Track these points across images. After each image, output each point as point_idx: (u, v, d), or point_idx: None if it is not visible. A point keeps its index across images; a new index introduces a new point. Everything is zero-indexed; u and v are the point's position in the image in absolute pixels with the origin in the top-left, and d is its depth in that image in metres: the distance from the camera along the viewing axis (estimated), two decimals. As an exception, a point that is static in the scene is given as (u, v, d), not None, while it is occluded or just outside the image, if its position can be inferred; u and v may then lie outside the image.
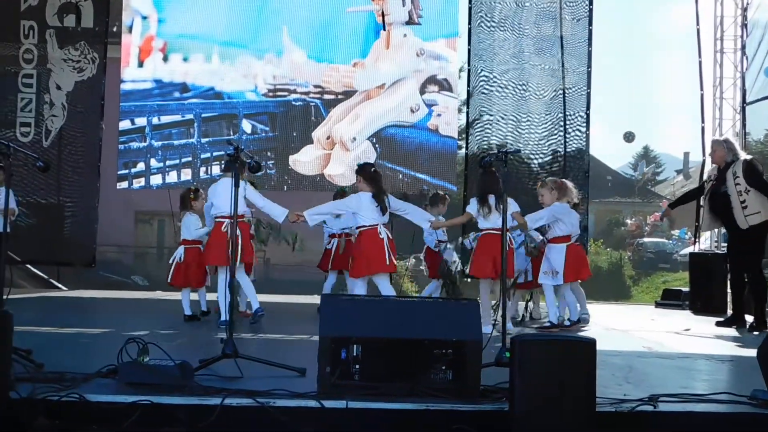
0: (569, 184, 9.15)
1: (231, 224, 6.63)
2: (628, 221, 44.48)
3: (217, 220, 8.63)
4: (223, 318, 8.41)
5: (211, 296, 9.66)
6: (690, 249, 15.43)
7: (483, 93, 12.86)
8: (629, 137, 45.28)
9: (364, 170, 8.36)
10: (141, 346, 5.22)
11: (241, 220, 8.40)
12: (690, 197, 10.79)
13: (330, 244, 10.10)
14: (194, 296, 9.65)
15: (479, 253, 8.67)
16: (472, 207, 8.73)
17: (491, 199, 8.59)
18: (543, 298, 9.92)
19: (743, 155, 9.68)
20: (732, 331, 9.67)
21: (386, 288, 8.41)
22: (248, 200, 8.59)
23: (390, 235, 8.29)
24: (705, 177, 10.23)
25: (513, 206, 8.59)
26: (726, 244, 10.40)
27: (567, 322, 9.05)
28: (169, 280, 9.35)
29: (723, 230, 13.13)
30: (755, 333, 9.31)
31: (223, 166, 9.05)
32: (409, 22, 12.93)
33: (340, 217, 9.33)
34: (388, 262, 8.18)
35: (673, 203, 11.11)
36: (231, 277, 6.37)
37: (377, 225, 8.15)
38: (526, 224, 8.73)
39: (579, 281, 9.38)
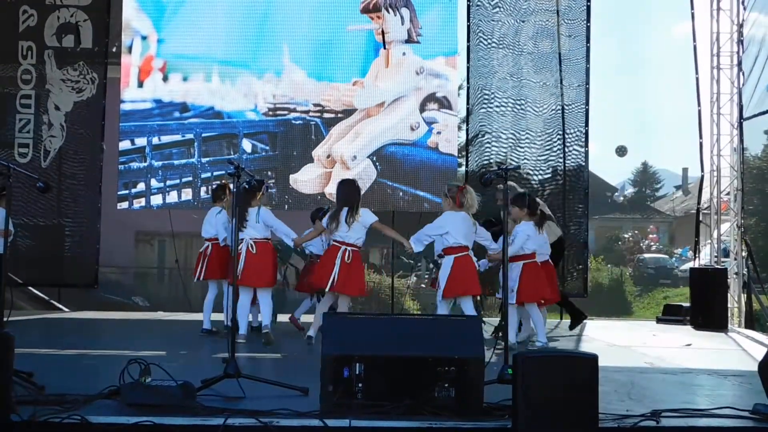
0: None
1: (231, 242, 6.63)
2: (625, 235, 44.49)
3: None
4: (241, 331, 8.78)
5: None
6: (690, 264, 15.42)
7: (482, 110, 12.90)
8: (621, 151, 45.29)
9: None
10: (143, 367, 5.23)
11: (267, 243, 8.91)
12: None
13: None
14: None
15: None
16: (325, 219, 8.73)
17: (344, 212, 8.55)
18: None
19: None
20: (726, 345, 9.74)
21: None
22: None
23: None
24: None
25: (370, 218, 8.65)
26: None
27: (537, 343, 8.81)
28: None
29: (724, 245, 13.19)
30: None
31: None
32: (409, 40, 12.97)
33: None
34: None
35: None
36: (234, 294, 6.38)
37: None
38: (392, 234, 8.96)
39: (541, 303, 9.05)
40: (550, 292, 8.99)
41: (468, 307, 8.43)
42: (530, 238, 8.64)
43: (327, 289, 8.57)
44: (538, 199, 9.54)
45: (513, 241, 8.49)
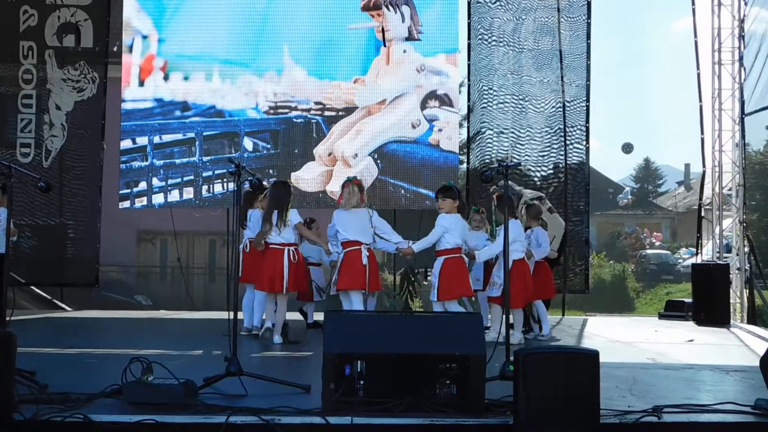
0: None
1: (231, 243, 6.62)
2: (626, 229, 44.48)
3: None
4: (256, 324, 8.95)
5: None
6: (692, 260, 15.42)
7: (483, 108, 12.92)
8: (628, 148, 45.24)
9: None
10: (145, 366, 5.23)
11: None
12: None
13: None
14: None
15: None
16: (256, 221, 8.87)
17: (275, 215, 8.59)
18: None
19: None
20: (728, 341, 9.74)
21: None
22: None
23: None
24: None
25: (295, 219, 8.69)
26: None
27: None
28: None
29: (726, 241, 13.18)
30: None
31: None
32: (409, 38, 12.98)
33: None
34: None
35: None
36: (235, 294, 6.38)
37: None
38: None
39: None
40: (464, 288, 8.53)
41: (454, 309, 8.39)
42: (449, 231, 8.29)
43: (285, 292, 8.63)
44: (535, 194, 9.51)
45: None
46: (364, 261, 8.43)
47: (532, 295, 8.98)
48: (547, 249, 9.35)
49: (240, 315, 9.41)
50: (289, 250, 8.61)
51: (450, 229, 8.28)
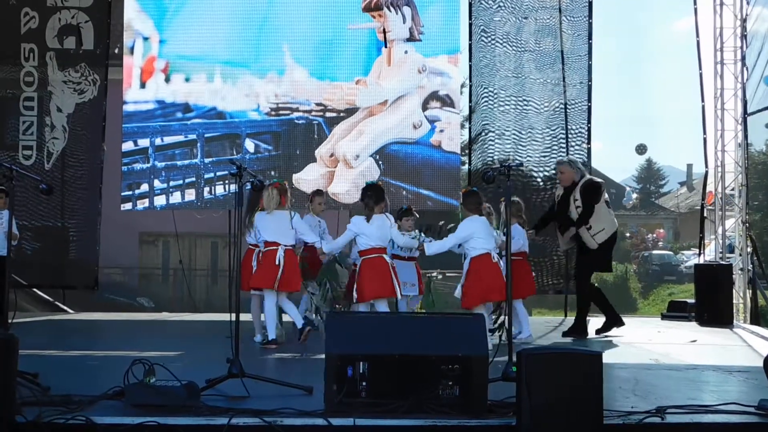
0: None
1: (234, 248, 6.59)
2: (627, 234, 44.44)
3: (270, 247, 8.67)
4: (271, 337, 8.59)
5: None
6: (695, 261, 15.39)
7: (485, 108, 12.90)
8: (641, 149, 45.09)
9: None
10: (147, 368, 5.23)
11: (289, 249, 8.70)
12: (548, 218, 10.33)
13: None
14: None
15: None
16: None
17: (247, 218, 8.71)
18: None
19: (587, 175, 9.83)
20: (731, 341, 9.76)
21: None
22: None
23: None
24: (555, 197, 10.20)
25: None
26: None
27: None
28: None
29: (728, 241, 13.17)
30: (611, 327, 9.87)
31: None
32: (411, 38, 12.97)
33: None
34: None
35: (536, 227, 10.32)
36: (237, 296, 6.37)
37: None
38: None
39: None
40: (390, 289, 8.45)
41: (383, 309, 8.41)
42: (363, 234, 8.35)
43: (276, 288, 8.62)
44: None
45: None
46: (277, 261, 8.52)
47: (499, 295, 8.44)
48: (519, 244, 9.23)
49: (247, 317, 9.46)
50: (257, 251, 8.82)
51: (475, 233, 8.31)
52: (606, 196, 9.85)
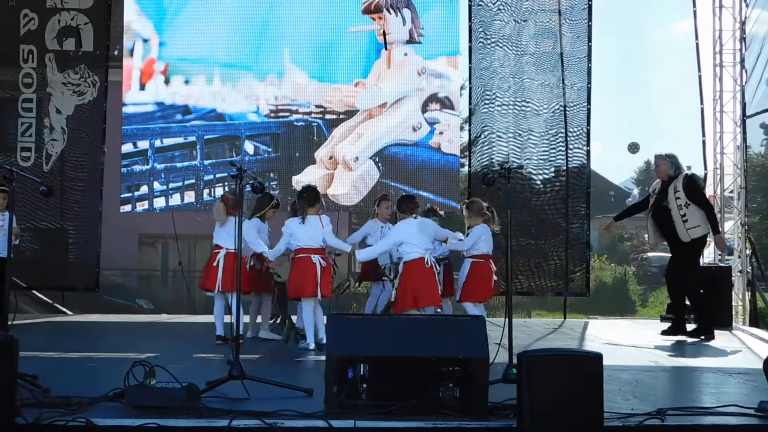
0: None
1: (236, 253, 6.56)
2: (625, 236, 44.37)
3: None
4: (308, 340, 8.51)
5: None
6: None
7: (484, 110, 12.90)
8: (634, 148, 45.01)
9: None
10: (147, 369, 5.23)
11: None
12: (634, 210, 10.89)
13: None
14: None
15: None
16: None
17: None
18: None
19: (685, 170, 10.07)
20: (730, 343, 9.74)
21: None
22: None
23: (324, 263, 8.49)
24: (650, 190, 10.40)
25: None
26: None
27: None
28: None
29: (727, 243, 13.16)
30: (701, 338, 9.82)
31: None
32: (410, 41, 12.97)
33: None
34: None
35: (619, 216, 11.03)
36: (237, 299, 6.38)
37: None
38: None
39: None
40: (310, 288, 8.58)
41: (307, 308, 8.58)
42: (293, 236, 8.52)
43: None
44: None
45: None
46: (215, 263, 9.04)
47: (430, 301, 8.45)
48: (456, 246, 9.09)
49: (246, 318, 9.51)
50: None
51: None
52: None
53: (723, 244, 10.50)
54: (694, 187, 9.80)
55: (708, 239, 10.18)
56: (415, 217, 8.44)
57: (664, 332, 10.08)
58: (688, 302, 10.26)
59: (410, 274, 8.26)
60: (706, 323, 10.01)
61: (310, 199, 8.58)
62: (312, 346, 8.36)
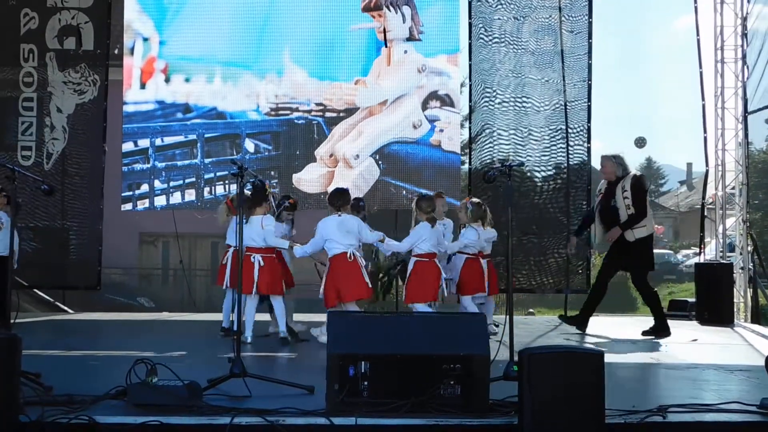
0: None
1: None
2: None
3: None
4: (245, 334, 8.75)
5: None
6: (695, 260, 15.40)
7: (485, 108, 12.89)
8: (641, 143, 44.89)
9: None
10: (149, 367, 5.23)
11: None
12: (591, 220, 10.55)
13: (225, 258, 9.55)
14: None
15: None
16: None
17: None
18: None
19: (632, 171, 10.14)
20: (732, 340, 9.75)
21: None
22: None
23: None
24: (597, 191, 10.47)
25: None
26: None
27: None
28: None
29: (729, 240, 13.17)
30: (652, 337, 9.80)
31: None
32: (410, 38, 12.97)
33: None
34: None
35: (578, 231, 10.99)
36: (239, 297, 6.38)
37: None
38: None
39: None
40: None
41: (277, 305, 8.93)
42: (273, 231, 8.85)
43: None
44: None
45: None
46: (224, 261, 9.32)
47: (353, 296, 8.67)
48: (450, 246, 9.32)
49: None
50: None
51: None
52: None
53: (613, 235, 9.96)
54: (639, 187, 9.89)
55: (652, 238, 10.16)
56: (340, 215, 8.57)
57: (644, 332, 10.04)
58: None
59: (333, 269, 8.49)
60: (663, 321, 10.01)
61: (257, 199, 8.84)
62: (249, 339, 8.78)
